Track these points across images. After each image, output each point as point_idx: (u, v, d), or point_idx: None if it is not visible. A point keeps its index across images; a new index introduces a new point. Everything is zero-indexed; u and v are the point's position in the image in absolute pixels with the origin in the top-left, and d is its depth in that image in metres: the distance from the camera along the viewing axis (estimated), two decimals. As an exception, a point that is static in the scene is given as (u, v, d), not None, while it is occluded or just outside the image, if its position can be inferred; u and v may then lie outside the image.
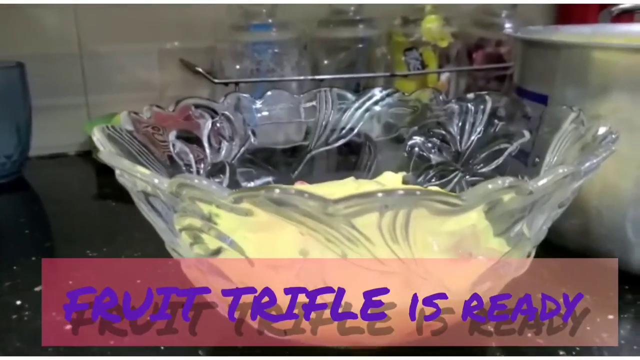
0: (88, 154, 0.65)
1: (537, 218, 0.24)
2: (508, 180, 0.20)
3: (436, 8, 0.69)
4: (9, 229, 0.47)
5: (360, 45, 0.66)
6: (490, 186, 0.20)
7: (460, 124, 0.38)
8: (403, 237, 0.21)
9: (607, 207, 0.36)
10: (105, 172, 0.52)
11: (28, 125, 0.58)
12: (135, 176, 0.23)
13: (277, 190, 0.20)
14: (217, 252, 0.24)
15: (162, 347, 0.30)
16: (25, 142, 0.58)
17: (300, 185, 0.39)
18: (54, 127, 0.65)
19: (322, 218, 0.20)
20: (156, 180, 0.22)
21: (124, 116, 0.32)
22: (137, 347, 0.30)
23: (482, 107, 0.38)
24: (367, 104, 0.41)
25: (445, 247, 0.24)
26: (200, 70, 0.59)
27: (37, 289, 0.36)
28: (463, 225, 0.22)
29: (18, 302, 0.35)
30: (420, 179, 0.39)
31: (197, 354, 0.30)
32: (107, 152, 0.24)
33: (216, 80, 0.58)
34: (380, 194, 0.19)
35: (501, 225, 0.23)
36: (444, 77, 0.71)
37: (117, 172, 0.24)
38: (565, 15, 0.82)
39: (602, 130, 0.28)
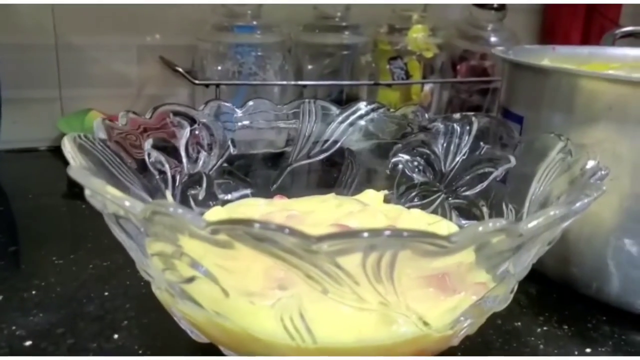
0: (59, 149, 0.62)
1: (524, 256, 0.23)
2: (498, 222, 0.19)
3: (423, 18, 0.68)
4: (-29, 229, 0.45)
5: (345, 52, 0.65)
6: (480, 228, 0.19)
7: (445, 144, 0.38)
8: (387, 276, 0.20)
9: (587, 236, 0.35)
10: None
11: (-3, 118, 0.56)
12: (106, 198, 0.21)
13: (257, 225, 0.19)
14: (191, 280, 0.23)
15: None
16: (-6, 135, 0.56)
17: (279, 200, 0.37)
18: (25, 120, 0.63)
19: (303, 255, 0.19)
20: (128, 204, 0.21)
21: (97, 124, 0.31)
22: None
23: (467, 128, 0.37)
24: (352, 117, 0.40)
25: (428, 283, 0.23)
26: (180, 70, 0.57)
27: (-2, 298, 0.34)
28: (448, 262, 0.22)
29: (-23, 312, 0.33)
30: (403, 198, 0.38)
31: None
32: (77, 169, 0.23)
33: (197, 82, 0.56)
34: (365, 234, 0.18)
35: (488, 264, 0.22)
36: (428, 87, 0.70)
37: (87, 192, 0.22)
38: (549, 30, 0.83)
39: (590, 164, 0.28)
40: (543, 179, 0.31)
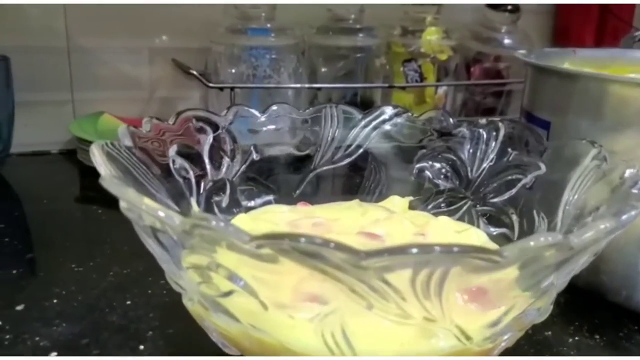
0: (72, 152, 0.62)
1: (569, 268, 0.23)
2: (550, 236, 0.19)
3: (436, 20, 0.68)
4: (-13, 235, 0.44)
5: (359, 55, 0.65)
6: (532, 243, 0.19)
7: (471, 150, 0.37)
8: (436, 292, 0.19)
9: (618, 244, 0.35)
10: (90, 174, 0.49)
11: (10, 122, 0.55)
12: (143, 210, 0.21)
13: (303, 239, 0.18)
14: (228, 294, 0.22)
15: None
16: (7, 139, 0.55)
17: (303, 207, 0.37)
18: (38, 124, 0.62)
19: (350, 270, 0.19)
20: (166, 216, 0.20)
21: (122, 131, 0.30)
22: None
23: (494, 134, 0.37)
24: (374, 122, 0.39)
25: (470, 297, 0.23)
26: (194, 73, 0.57)
27: (18, 307, 0.34)
28: (495, 277, 0.21)
29: (-2, 323, 0.32)
30: (429, 205, 0.38)
31: None
32: (110, 180, 0.22)
33: (211, 85, 0.56)
34: (415, 250, 0.18)
35: (533, 278, 0.22)
36: (441, 90, 0.70)
37: (123, 204, 0.22)
38: (563, 32, 0.82)
39: (629, 172, 0.27)
40: (577, 187, 0.30)
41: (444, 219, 0.35)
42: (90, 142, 0.55)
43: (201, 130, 0.35)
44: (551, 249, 0.19)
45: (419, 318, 0.21)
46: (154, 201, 0.21)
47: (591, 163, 0.30)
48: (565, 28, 0.82)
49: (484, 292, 0.23)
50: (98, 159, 0.25)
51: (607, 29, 0.81)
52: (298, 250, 0.18)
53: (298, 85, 0.61)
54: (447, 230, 0.33)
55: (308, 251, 0.18)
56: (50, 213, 0.49)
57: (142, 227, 0.22)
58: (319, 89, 0.62)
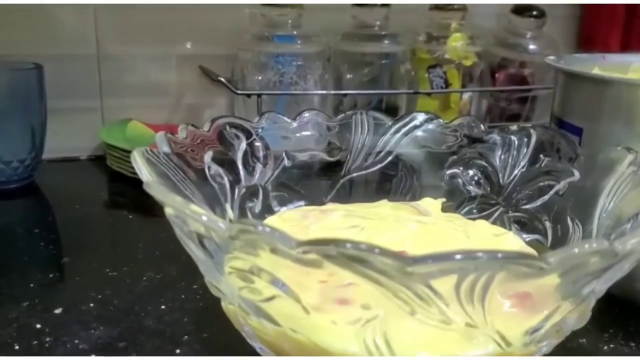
0: (100, 158, 0.63)
1: (612, 275, 0.23)
2: (595, 243, 0.19)
3: (461, 26, 0.68)
4: (23, 240, 0.45)
5: (384, 61, 0.65)
6: (576, 250, 0.19)
7: (502, 156, 0.37)
8: (479, 298, 0.20)
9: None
10: (118, 180, 0.50)
11: (43, 129, 0.56)
12: (189, 216, 0.21)
13: (349, 245, 0.18)
14: (271, 299, 0.23)
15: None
16: (39, 146, 0.56)
17: (332, 205, 0.37)
18: (67, 130, 0.63)
19: (396, 276, 0.19)
20: (211, 221, 0.21)
21: (160, 137, 0.31)
22: None
23: (526, 140, 0.37)
24: (405, 128, 0.39)
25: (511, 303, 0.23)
26: (222, 80, 0.57)
27: (57, 311, 0.34)
28: (538, 283, 0.21)
29: (38, 326, 0.33)
30: (462, 212, 0.38)
31: None
32: (156, 186, 0.23)
33: (239, 92, 0.57)
34: (459, 256, 0.18)
35: (574, 286, 0.22)
36: (466, 96, 0.69)
37: (169, 210, 0.22)
38: (588, 37, 0.81)
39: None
40: (613, 193, 0.30)
41: (481, 222, 0.35)
42: (118, 148, 0.56)
43: (235, 137, 0.36)
44: (596, 255, 0.19)
45: (461, 324, 0.21)
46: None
47: (627, 170, 0.30)
48: (591, 33, 0.81)
49: (526, 299, 0.23)
50: (140, 165, 0.25)
51: (633, 33, 0.80)
52: (344, 256, 0.19)
53: (324, 92, 0.61)
54: (486, 233, 0.33)
55: (354, 256, 0.18)
56: (82, 218, 0.50)
57: (187, 232, 0.23)
58: (344, 95, 0.63)
